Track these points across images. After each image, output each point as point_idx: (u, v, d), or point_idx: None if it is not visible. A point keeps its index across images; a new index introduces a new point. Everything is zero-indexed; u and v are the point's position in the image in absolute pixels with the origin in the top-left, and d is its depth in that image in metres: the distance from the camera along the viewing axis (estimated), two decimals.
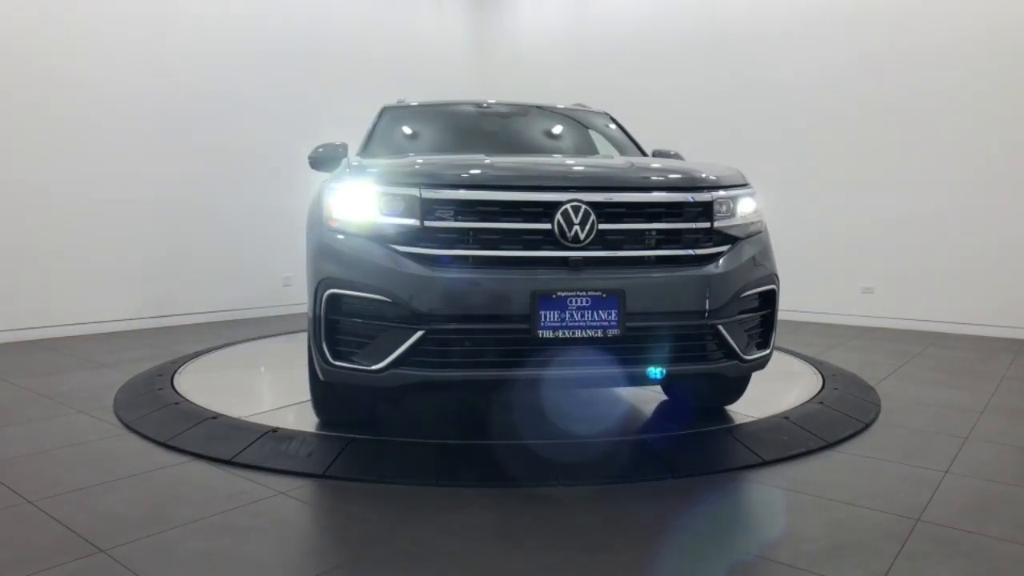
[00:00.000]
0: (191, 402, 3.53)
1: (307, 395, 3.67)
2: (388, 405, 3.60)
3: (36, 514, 2.30)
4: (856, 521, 2.30)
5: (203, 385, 3.94)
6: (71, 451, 2.94)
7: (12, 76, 5.42)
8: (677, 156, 3.92)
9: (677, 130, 7.41)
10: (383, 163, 2.94)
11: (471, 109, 4.43)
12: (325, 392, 3.09)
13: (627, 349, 2.64)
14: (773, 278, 2.98)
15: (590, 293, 2.56)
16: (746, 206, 2.98)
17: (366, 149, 3.96)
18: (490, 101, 4.47)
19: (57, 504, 2.38)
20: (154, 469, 2.74)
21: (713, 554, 2.08)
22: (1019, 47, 5.87)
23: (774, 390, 3.93)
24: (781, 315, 7.62)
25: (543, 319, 2.53)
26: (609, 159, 3.59)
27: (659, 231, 2.76)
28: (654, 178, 2.94)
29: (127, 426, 3.26)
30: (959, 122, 6.16)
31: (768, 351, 2.99)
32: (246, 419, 3.24)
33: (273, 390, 4.25)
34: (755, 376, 4.31)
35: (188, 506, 2.38)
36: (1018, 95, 5.89)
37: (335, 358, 2.70)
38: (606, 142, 4.26)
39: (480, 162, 2.94)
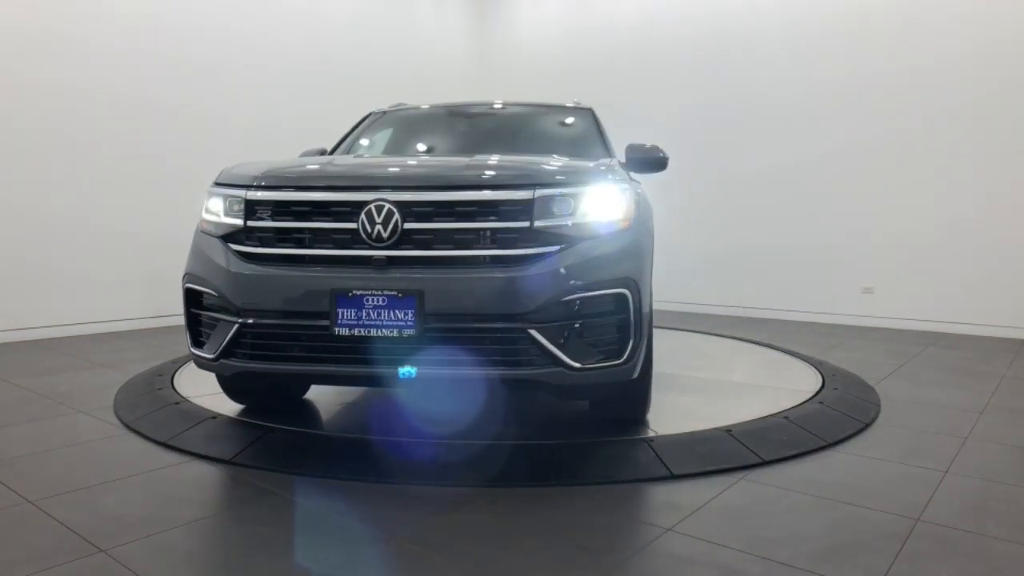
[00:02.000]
0: (191, 402, 3.54)
1: (307, 394, 3.68)
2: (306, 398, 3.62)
3: (36, 514, 2.30)
4: (856, 521, 2.30)
5: (203, 385, 3.93)
6: (71, 451, 2.94)
7: (15, 75, 5.42)
8: (653, 149, 3.75)
9: (675, 128, 7.42)
10: (236, 166, 3.07)
11: (455, 111, 4.48)
12: (219, 379, 3.30)
13: (426, 350, 2.59)
14: (626, 282, 2.72)
15: (386, 292, 2.57)
16: (596, 205, 2.77)
17: (333, 154, 4.08)
18: (497, 104, 4.51)
19: (57, 504, 2.38)
20: (154, 469, 2.74)
21: (713, 554, 2.08)
22: (1019, 49, 5.88)
23: (774, 390, 3.94)
24: (780, 315, 7.50)
25: (340, 317, 2.58)
26: (453, 158, 3.35)
27: (471, 230, 2.67)
28: (471, 177, 2.78)
29: (127, 426, 3.26)
30: (957, 123, 6.16)
31: (621, 360, 2.71)
32: (246, 419, 3.25)
33: None
34: (754, 376, 4.34)
35: (188, 506, 2.38)
36: (1016, 96, 5.90)
37: (194, 346, 2.95)
38: (594, 139, 4.25)
39: (302, 163, 3.09)
